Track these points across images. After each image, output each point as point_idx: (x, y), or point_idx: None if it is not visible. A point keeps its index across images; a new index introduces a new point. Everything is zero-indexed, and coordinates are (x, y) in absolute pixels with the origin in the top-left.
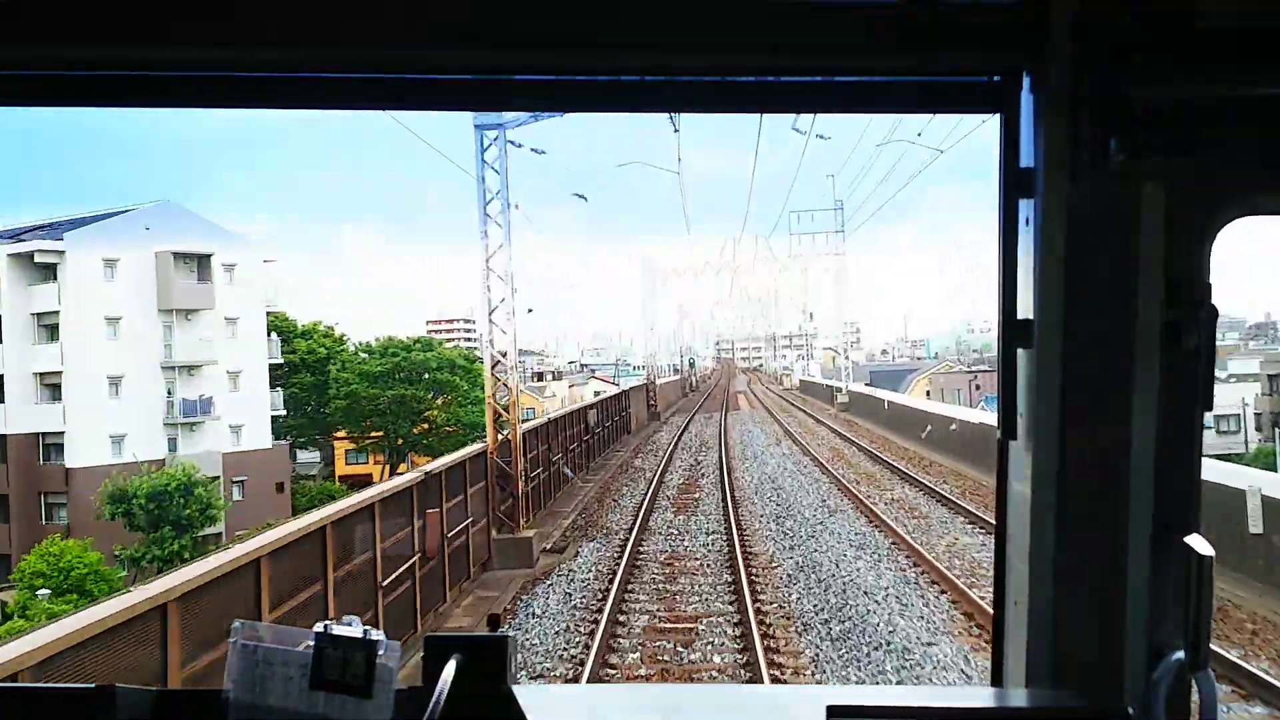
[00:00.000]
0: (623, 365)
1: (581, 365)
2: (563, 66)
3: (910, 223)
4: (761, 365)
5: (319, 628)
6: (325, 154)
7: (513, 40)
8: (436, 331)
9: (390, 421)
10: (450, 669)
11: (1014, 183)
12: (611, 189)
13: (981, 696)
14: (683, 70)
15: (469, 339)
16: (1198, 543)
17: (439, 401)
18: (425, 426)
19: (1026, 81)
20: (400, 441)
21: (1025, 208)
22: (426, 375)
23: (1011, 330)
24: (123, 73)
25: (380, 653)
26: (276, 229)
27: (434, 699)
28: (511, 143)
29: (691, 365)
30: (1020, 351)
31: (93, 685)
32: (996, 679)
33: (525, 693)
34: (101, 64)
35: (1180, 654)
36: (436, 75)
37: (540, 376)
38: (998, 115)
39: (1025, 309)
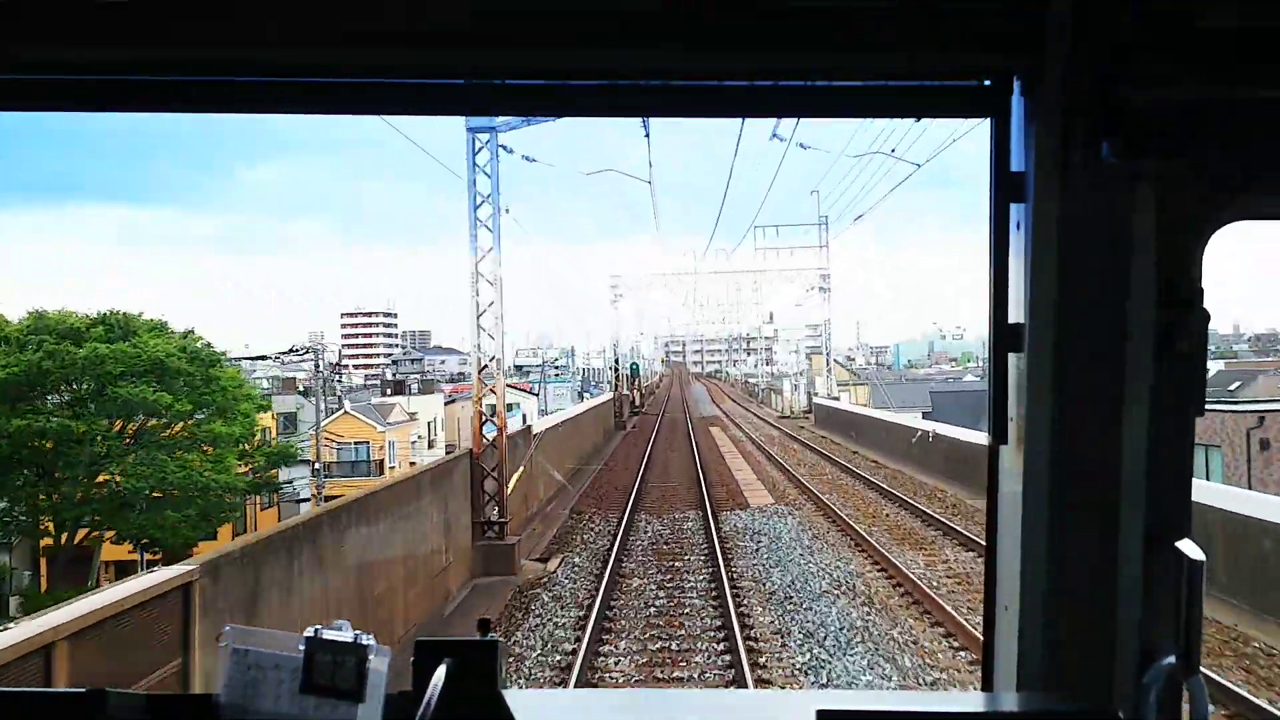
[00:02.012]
0: (560, 367)
1: (516, 367)
2: (551, 71)
3: (861, 228)
4: (720, 371)
5: (309, 632)
6: (278, 150)
7: (506, 45)
8: (353, 325)
9: (26, 481)
10: (440, 673)
11: (1005, 187)
12: (582, 193)
13: (973, 701)
14: (669, 74)
15: (389, 335)
16: (1189, 547)
17: (151, 437)
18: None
19: (1017, 85)
20: (45, 513)
21: (1016, 212)
22: (112, 388)
23: (1003, 334)
24: (122, 78)
25: (371, 657)
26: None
27: (424, 703)
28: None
29: (634, 373)
30: (1011, 355)
31: (84, 689)
32: (987, 683)
33: (515, 697)
34: (102, 69)
35: (1171, 658)
36: (429, 80)
37: (400, 387)
38: (988, 120)
39: (1016, 313)
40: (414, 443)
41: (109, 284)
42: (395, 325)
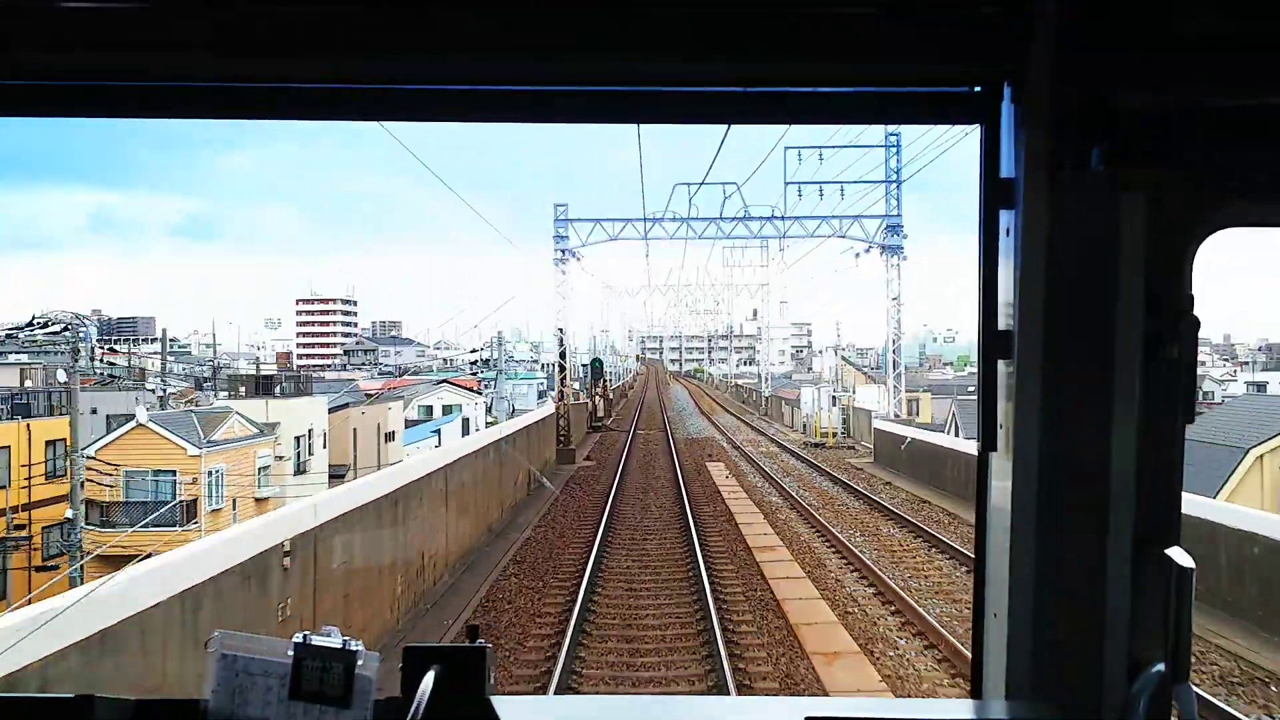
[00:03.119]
0: (516, 363)
1: (484, 361)
2: (544, 78)
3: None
4: (700, 370)
5: (298, 638)
6: (243, 135)
7: (504, 52)
8: (309, 313)
9: None
10: (429, 680)
11: (995, 193)
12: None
13: (961, 709)
14: (660, 81)
15: (348, 323)
16: (1178, 555)
17: None
18: None
19: (1007, 92)
20: None
21: (1006, 218)
22: None
23: (992, 341)
24: (124, 84)
25: (359, 663)
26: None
27: (413, 710)
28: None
29: (596, 371)
30: (1001, 362)
31: (71, 695)
32: (976, 691)
33: (503, 703)
34: (105, 75)
35: (1160, 666)
36: (414, 86)
37: (266, 386)
38: (978, 126)
39: (1006, 320)
40: (265, 469)
41: (83, 271)
42: (354, 314)
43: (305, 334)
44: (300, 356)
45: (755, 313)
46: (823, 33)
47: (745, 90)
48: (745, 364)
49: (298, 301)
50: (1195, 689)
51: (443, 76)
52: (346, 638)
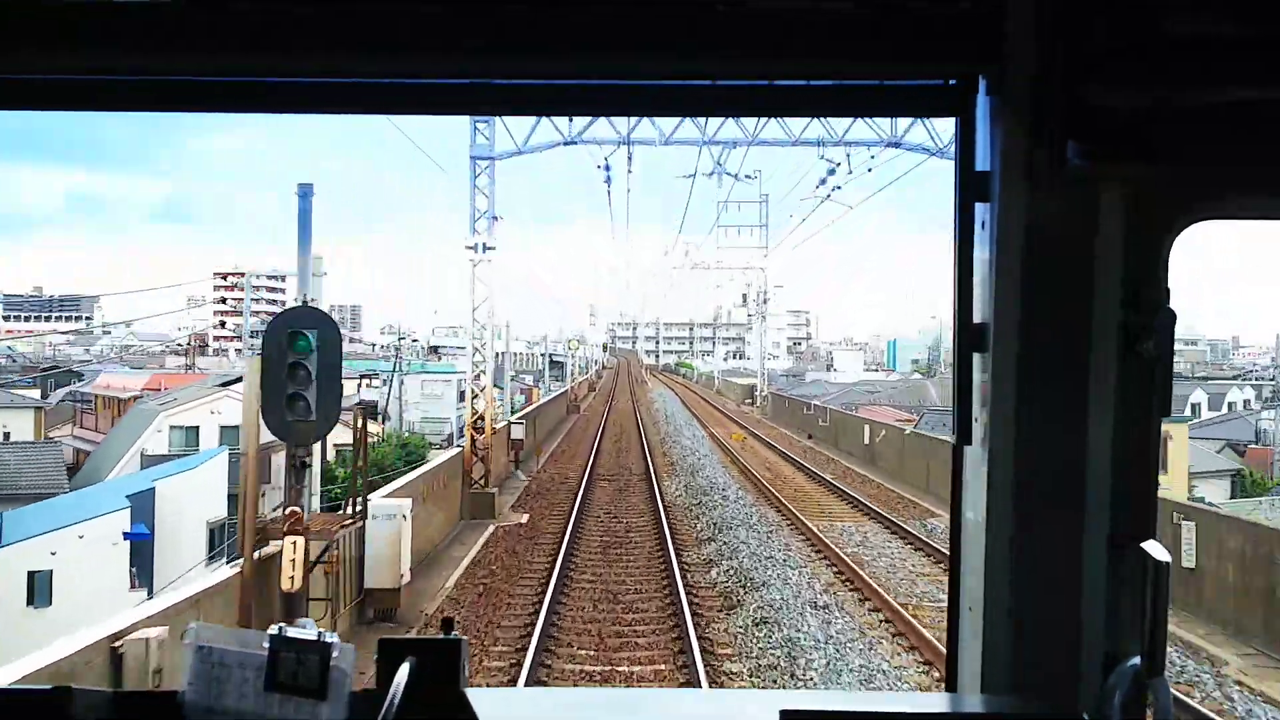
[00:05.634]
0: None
1: (432, 348)
2: (523, 71)
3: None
4: (683, 365)
5: (273, 630)
6: (222, 117)
7: (486, 46)
8: (228, 288)
9: None
10: (404, 672)
11: (970, 186)
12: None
13: (936, 702)
14: (636, 74)
15: (274, 301)
16: (1154, 549)
17: None
18: None
19: (983, 85)
20: None
21: (981, 211)
22: None
23: (967, 334)
24: (122, 78)
25: (335, 655)
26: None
27: (388, 701)
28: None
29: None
30: (976, 356)
31: (49, 686)
32: (951, 685)
33: (478, 695)
34: (102, 70)
35: (1136, 660)
36: (412, 81)
37: None
38: (953, 119)
39: (981, 313)
40: None
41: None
42: (282, 290)
43: (222, 312)
44: (216, 339)
45: (744, 299)
46: (798, 26)
47: (722, 84)
48: (734, 357)
49: (215, 275)
50: None
51: (441, 72)
52: (322, 630)
